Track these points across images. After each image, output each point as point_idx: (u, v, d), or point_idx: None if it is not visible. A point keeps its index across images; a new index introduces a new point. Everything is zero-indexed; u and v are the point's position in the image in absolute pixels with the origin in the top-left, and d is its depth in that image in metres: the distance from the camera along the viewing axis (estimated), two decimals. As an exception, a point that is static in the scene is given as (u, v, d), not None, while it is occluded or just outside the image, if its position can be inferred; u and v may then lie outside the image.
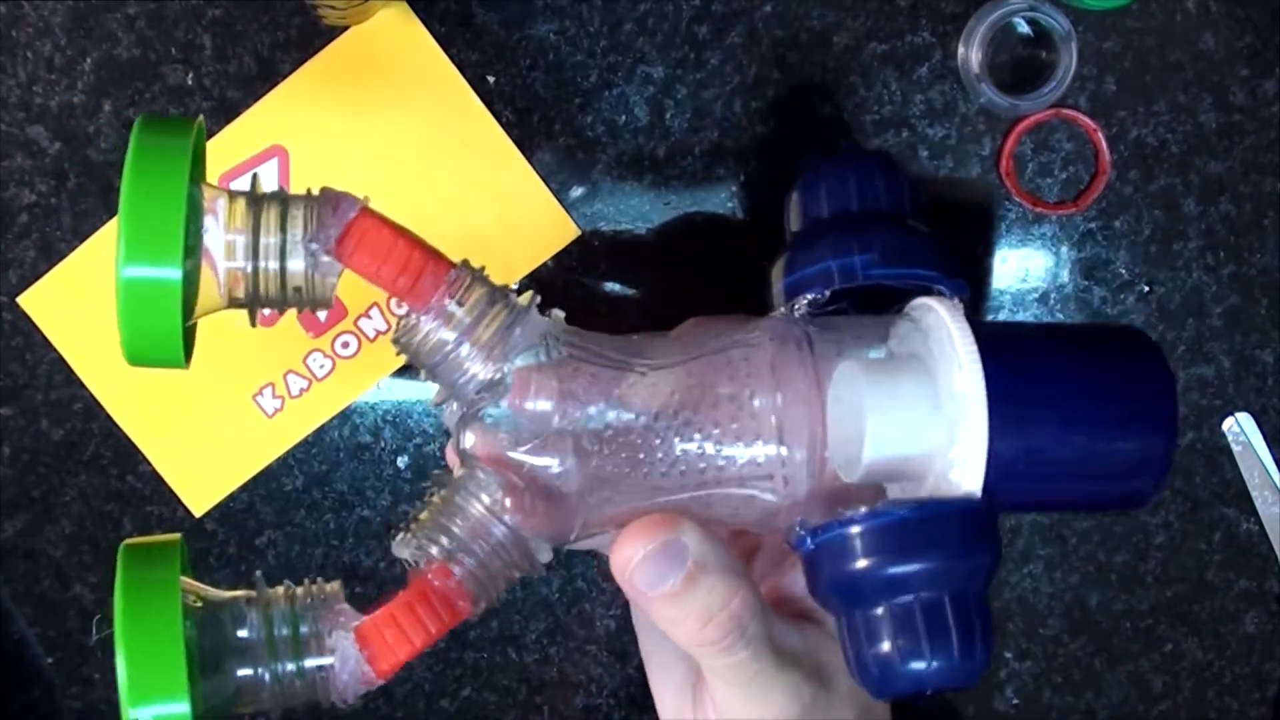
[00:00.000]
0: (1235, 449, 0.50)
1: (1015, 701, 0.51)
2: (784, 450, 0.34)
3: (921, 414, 0.33)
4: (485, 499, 0.34)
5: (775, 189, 0.49)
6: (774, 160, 0.48)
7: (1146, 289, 0.49)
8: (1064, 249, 0.49)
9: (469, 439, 0.34)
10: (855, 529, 0.33)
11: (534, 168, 0.48)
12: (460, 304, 0.34)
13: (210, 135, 0.48)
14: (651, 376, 0.35)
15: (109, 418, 0.49)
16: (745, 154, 0.48)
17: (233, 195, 0.33)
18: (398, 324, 0.35)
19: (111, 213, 0.48)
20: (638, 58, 0.48)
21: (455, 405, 0.35)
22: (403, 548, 0.34)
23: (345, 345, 0.49)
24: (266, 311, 0.35)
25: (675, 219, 0.49)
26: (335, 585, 0.34)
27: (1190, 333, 0.50)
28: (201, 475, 0.50)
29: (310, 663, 0.33)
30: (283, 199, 0.34)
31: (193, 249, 0.32)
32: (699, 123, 0.48)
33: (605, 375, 0.35)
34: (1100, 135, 0.48)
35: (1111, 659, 0.51)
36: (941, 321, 0.34)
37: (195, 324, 0.35)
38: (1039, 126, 0.48)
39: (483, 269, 0.35)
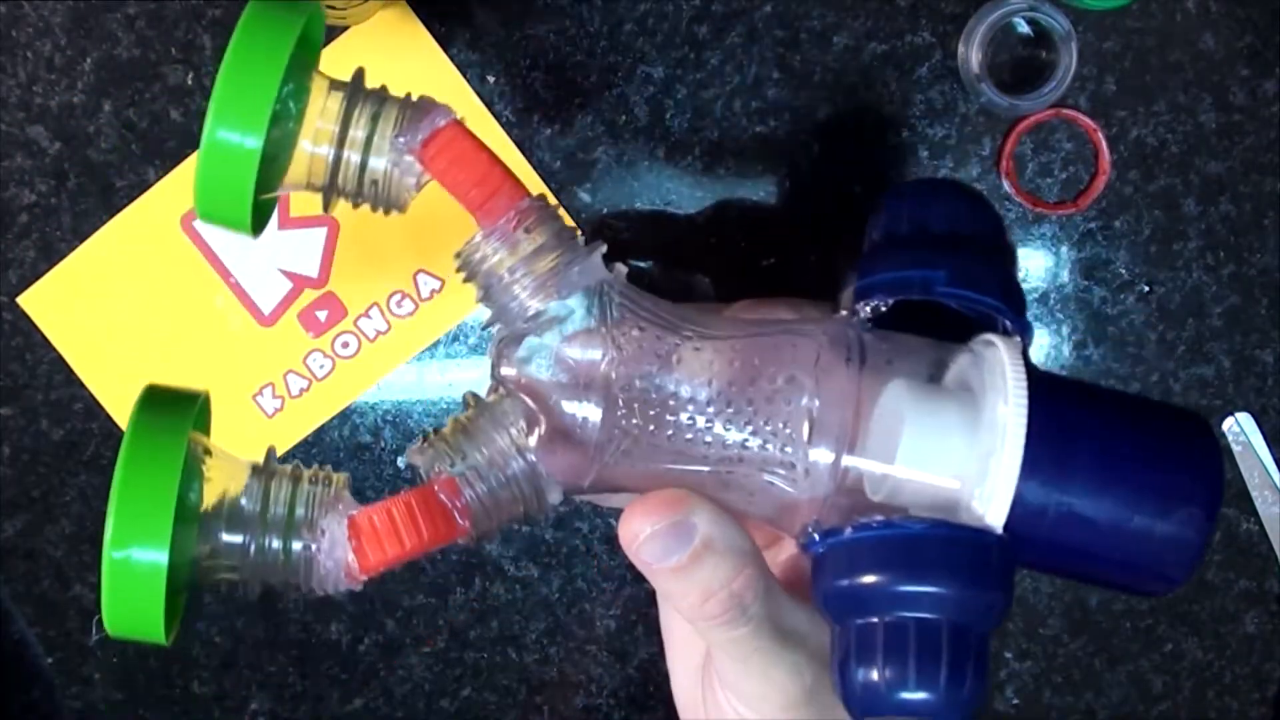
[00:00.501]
0: (1235, 449, 0.50)
1: (1015, 701, 0.51)
2: (811, 445, 0.34)
3: (957, 442, 0.33)
4: (512, 430, 0.34)
5: (775, 189, 0.49)
6: (774, 160, 0.48)
7: (1146, 289, 0.49)
8: (1064, 249, 0.49)
9: (508, 365, 0.34)
10: (867, 536, 0.33)
11: (534, 168, 0.48)
12: (527, 231, 0.34)
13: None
14: (698, 343, 0.35)
15: (109, 418, 0.49)
16: (745, 154, 0.48)
17: (334, 84, 0.34)
18: (465, 244, 0.35)
19: (112, 213, 0.48)
20: (638, 58, 0.48)
21: (500, 329, 0.35)
22: (417, 456, 0.34)
23: (345, 345, 0.49)
24: (344, 202, 0.35)
25: (675, 219, 0.49)
26: (343, 476, 0.34)
27: (1190, 333, 0.50)
28: (201, 475, 0.50)
29: (297, 543, 0.32)
30: (381, 98, 0.34)
31: (284, 125, 0.33)
32: (699, 123, 0.48)
33: (654, 334, 0.35)
34: (1100, 135, 0.48)
35: (1111, 659, 0.51)
36: (999, 356, 0.33)
37: (274, 200, 0.36)
38: (1039, 126, 0.48)
39: (557, 207, 0.35)
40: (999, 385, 0.33)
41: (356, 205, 0.35)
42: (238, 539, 0.32)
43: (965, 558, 0.32)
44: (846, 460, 0.34)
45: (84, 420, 0.49)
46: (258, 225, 0.34)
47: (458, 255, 0.35)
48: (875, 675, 0.32)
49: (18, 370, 0.49)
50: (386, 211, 0.35)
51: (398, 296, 0.49)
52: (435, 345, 0.50)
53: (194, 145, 0.48)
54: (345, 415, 0.50)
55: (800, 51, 0.48)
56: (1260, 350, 0.50)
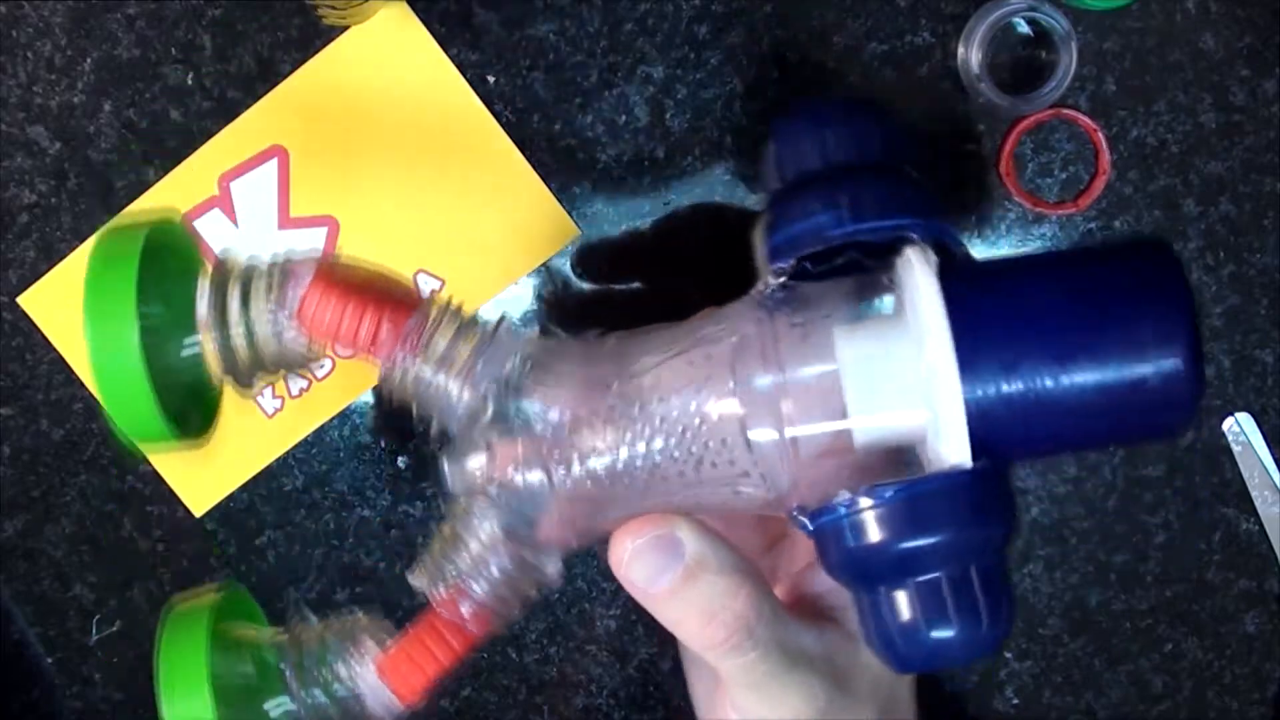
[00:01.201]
0: (1235, 449, 0.50)
1: (1015, 701, 0.51)
2: (752, 448, 0.34)
3: (905, 375, 0.32)
4: (482, 531, 0.35)
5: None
6: (774, 160, 0.48)
7: (1146, 289, 0.49)
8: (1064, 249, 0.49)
9: (454, 473, 0.35)
10: (846, 514, 0.32)
11: (534, 168, 0.48)
12: (426, 345, 0.35)
13: (210, 135, 0.48)
14: (622, 385, 0.35)
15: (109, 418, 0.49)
16: (746, 154, 0.48)
17: (201, 273, 0.35)
18: (380, 372, 0.36)
19: (112, 213, 0.48)
20: (638, 58, 0.48)
21: (447, 434, 0.36)
22: (417, 580, 0.36)
23: (345, 345, 0.49)
24: (260, 385, 0.36)
25: (675, 219, 0.49)
26: (361, 619, 0.36)
27: (1190, 333, 0.49)
28: (201, 475, 0.50)
29: (340, 689, 0.35)
30: (245, 275, 0.35)
31: (165, 336, 0.34)
32: (699, 123, 0.48)
33: (575, 396, 0.35)
34: (1100, 135, 0.48)
35: (1111, 659, 0.51)
36: (913, 277, 0.32)
37: (218, 395, 0.37)
38: (1039, 126, 0.48)
39: (449, 302, 0.35)
40: (920, 318, 0.31)
41: (276, 374, 0.36)
42: (286, 706, 0.35)
43: (945, 507, 0.32)
44: (790, 431, 0.33)
45: (84, 420, 0.49)
46: (194, 432, 0.36)
47: (379, 385, 0.36)
48: (896, 633, 0.32)
49: (18, 370, 0.49)
50: (303, 367, 0.36)
51: (398, 296, 0.49)
52: (435, 345, 0.49)
53: (194, 145, 0.48)
54: (345, 415, 0.50)
55: (800, 51, 0.48)
56: (1260, 350, 0.50)
